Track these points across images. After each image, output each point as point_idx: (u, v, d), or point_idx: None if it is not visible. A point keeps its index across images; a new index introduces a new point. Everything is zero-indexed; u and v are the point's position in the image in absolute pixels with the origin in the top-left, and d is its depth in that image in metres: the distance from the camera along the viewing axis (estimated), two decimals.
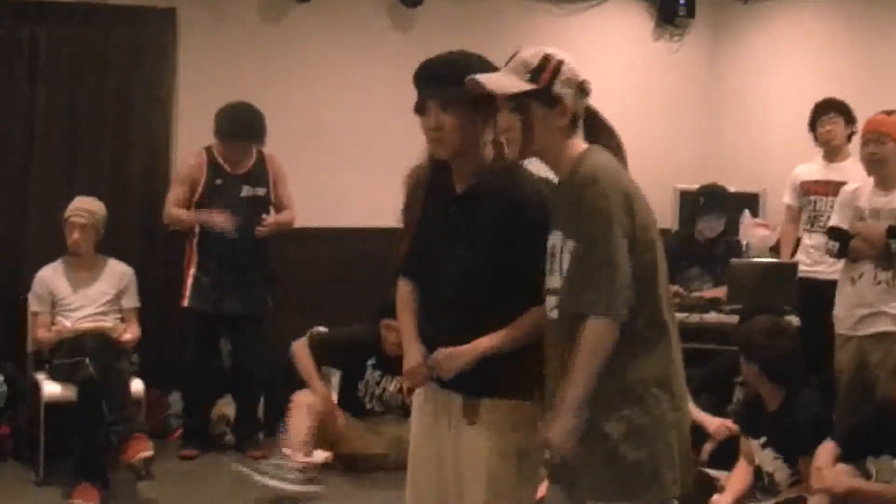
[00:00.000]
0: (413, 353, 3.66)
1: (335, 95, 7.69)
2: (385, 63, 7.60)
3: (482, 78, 3.31)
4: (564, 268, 3.24)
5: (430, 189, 3.67)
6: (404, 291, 3.76)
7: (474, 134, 3.49)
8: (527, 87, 3.25)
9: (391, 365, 6.30)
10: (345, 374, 6.79)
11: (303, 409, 6.23)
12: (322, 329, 6.76)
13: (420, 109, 3.51)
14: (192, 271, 6.67)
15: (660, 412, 3.23)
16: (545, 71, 3.26)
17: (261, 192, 6.74)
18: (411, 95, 3.55)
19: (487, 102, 3.38)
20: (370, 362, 6.65)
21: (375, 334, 6.53)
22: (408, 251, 3.73)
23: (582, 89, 3.31)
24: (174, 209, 6.65)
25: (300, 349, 6.54)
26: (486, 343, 3.43)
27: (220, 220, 6.51)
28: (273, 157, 6.81)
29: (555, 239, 3.30)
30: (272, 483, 5.90)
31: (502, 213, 3.45)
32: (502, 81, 3.30)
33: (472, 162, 3.52)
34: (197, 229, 6.65)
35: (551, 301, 3.31)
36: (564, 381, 3.20)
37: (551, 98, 3.26)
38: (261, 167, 6.77)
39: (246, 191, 6.69)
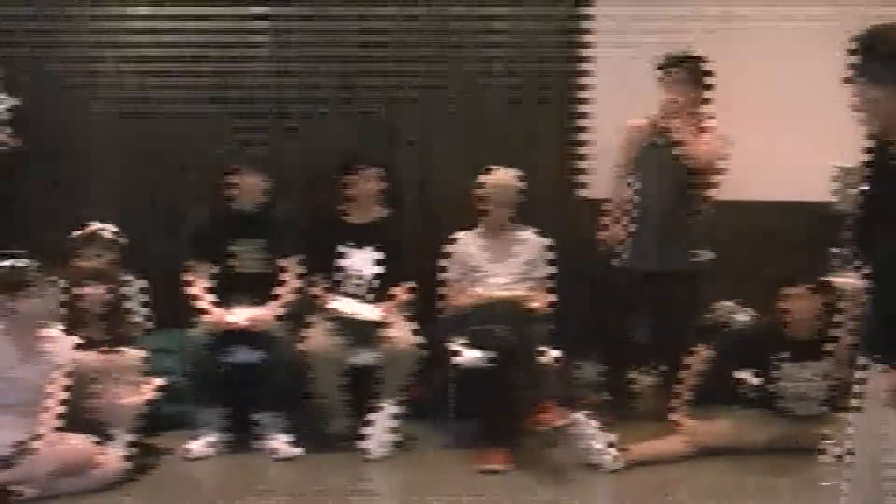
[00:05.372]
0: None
1: (768, 61, 7.36)
2: (819, 25, 7.23)
3: None
4: None
5: (872, 164, 3.41)
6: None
7: None
8: None
9: (801, 350, 6.11)
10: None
11: None
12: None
13: (848, 79, 3.30)
14: (625, 230, 6.69)
15: None
16: None
17: None
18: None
19: None
20: (773, 356, 6.23)
21: (775, 317, 6.25)
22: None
23: None
24: None
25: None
26: None
27: None
28: None
29: None
30: None
31: None
32: None
33: None
34: (637, 193, 6.68)
35: None
36: None
37: None
38: None
39: None
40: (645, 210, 6.67)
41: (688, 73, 6.56)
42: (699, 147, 6.51)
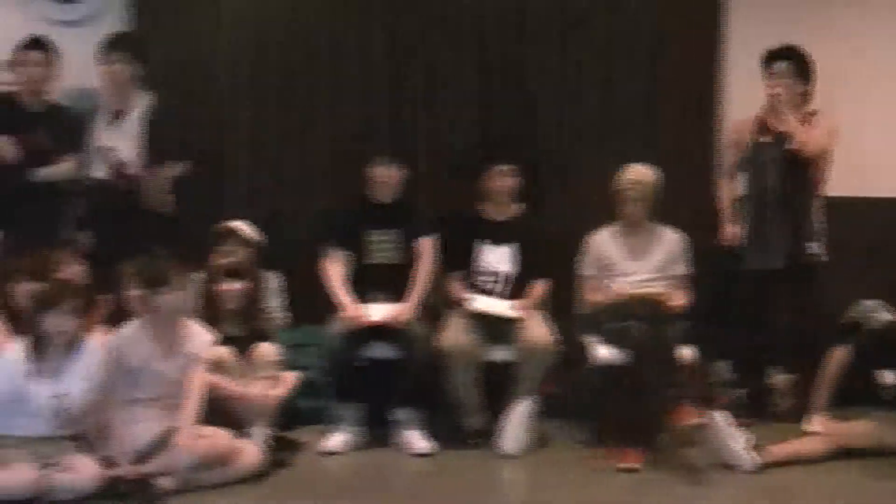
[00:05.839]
0: None
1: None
2: None
3: None
4: None
5: None
6: None
7: None
8: None
9: None
10: None
11: None
12: None
13: None
14: (741, 230, 6.72)
15: None
16: None
17: None
18: None
19: None
20: None
21: None
22: None
23: None
24: None
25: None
26: None
27: None
28: None
29: None
30: None
31: None
32: None
33: None
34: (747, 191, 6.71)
35: None
36: None
37: None
38: None
39: None
40: (756, 207, 6.67)
41: (792, 66, 6.52)
42: (807, 139, 6.47)
